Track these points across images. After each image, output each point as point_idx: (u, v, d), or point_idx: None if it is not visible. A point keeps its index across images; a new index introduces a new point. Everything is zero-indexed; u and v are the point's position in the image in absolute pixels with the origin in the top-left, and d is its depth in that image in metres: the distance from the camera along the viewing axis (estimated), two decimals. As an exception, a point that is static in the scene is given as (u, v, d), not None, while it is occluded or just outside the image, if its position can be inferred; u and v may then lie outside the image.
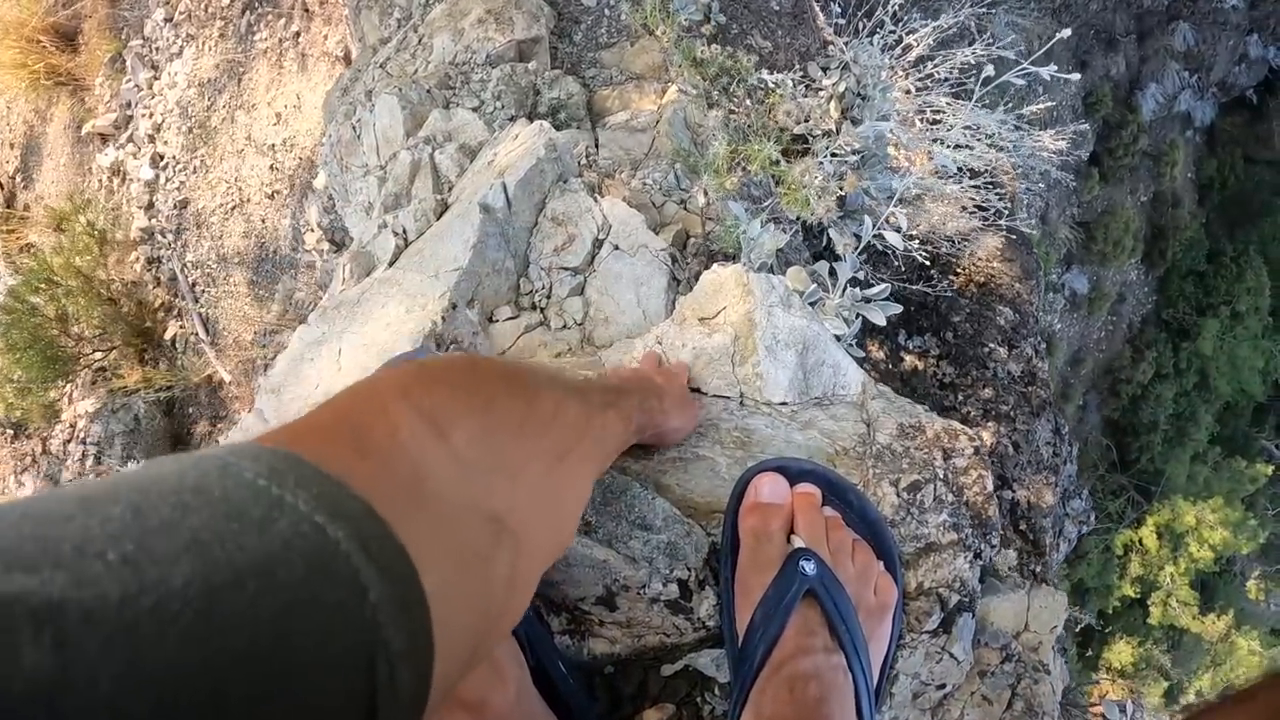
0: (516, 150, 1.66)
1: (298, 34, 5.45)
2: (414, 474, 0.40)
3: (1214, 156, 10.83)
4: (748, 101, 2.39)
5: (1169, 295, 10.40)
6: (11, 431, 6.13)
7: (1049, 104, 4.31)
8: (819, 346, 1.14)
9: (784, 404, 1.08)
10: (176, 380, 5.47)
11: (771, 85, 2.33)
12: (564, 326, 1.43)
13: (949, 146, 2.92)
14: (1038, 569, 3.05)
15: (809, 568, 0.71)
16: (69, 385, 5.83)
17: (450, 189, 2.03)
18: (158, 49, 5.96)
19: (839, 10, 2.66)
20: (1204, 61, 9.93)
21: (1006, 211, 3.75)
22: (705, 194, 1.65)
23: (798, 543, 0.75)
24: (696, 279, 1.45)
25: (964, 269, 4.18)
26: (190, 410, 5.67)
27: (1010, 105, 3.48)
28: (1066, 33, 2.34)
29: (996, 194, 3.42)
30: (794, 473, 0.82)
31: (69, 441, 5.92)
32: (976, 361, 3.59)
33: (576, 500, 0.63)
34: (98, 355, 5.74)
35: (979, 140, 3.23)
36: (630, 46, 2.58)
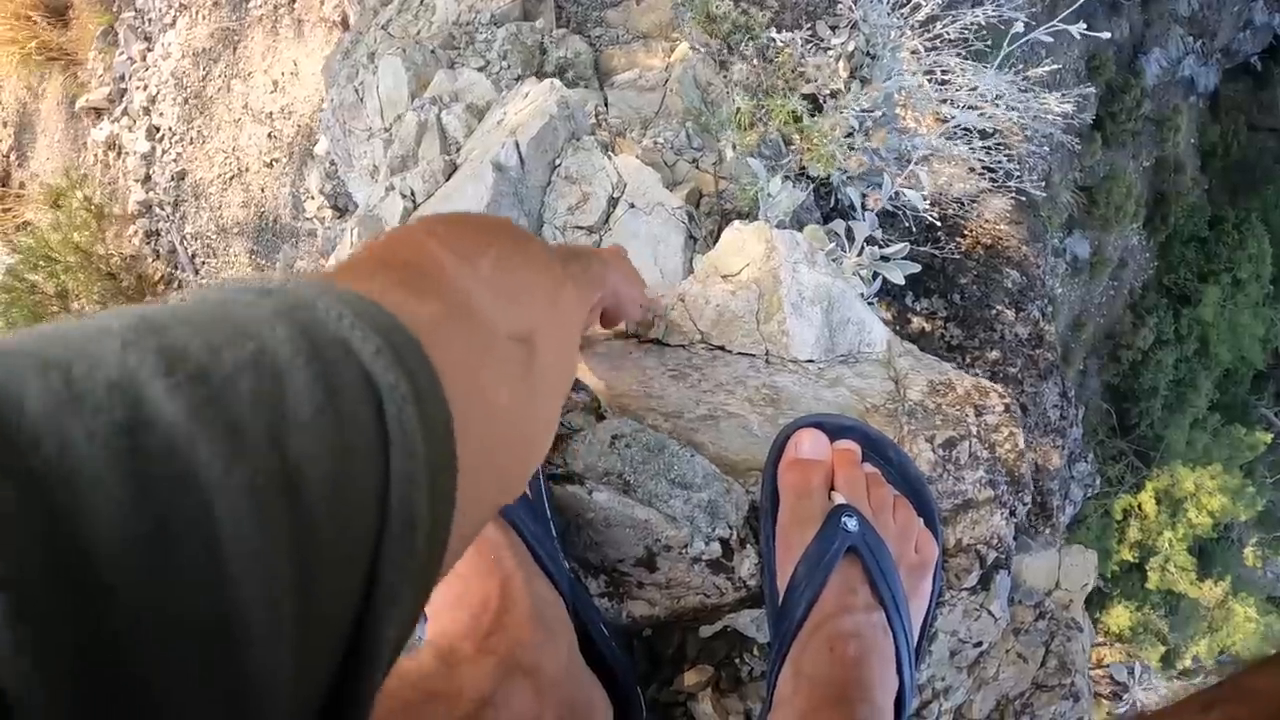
0: (527, 109, 1.62)
1: (293, 0, 5.40)
2: (464, 299, 0.42)
3: (1217, 123, 10.77)
4: (756, 60, 2.35)
5: (1170, 261, 10.37)
6: None
7: (1053, 66, 4.26)
8: (844, 304, 1.12)
9: (810, 361, 1.05)
10: None
11: (781, 44, 2.29)
12: (580, 287, 1.41)
13: (958, 107, 2.89)
14: (1046, 531, 3.05)
15: (851, 524, 0.70)
16: None
17: (458, 149, 1.99)
18: (150, 20, 5.89)
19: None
20: (1208, 27, 9.85)
21: (1015, 174, 3.72)
22: (730, 149, 1.62)
23: (839, 499, 0.73)
24: (713, 237, 1.42)
25: (971, 231, 4.15)
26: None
27: (1016, 68, 3.44)
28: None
29: (1005, 155, 3.39)
30: (832, 429, 0.80)
31: None
32: (984, 324, 3.57)
33: (574, 345, 0.66)
34: None
35: (987, 101, 3.20)
36: (636, 5, 2.54)
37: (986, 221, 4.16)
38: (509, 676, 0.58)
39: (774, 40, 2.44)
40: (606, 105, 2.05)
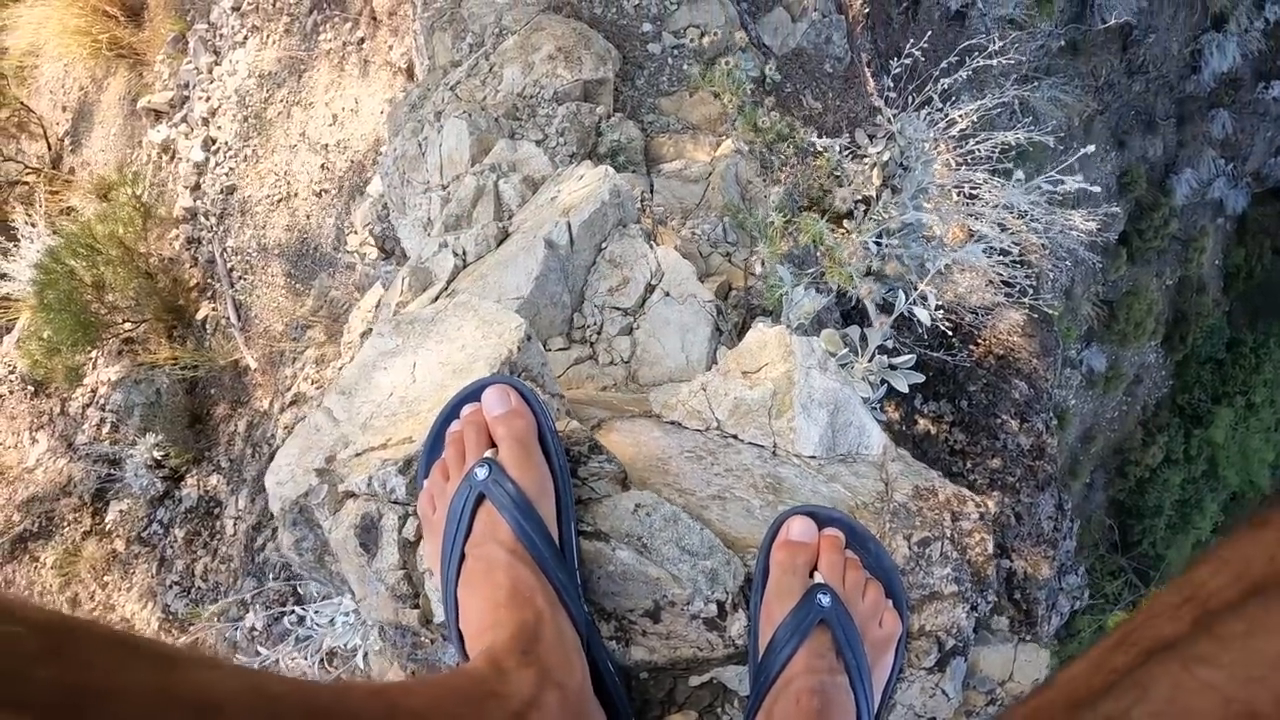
0: (580, 191, 1.78)
1: (362, 40, 5.52)
2: None
3: (1243, 245, 10.89)
4: (795, 161, 2.51)
5: (1185, 381, 10.42)
6: (32, 388, 6.16)
7: (1082, 184, 4.40)
8: (848, 408, 1.25)
9: (813, 457, 1.19)
10: (203, 360, 5.52)
11: (821, 149, 2.46)
12: (611, 363, 1.54)
13: (985, 222, 3.03)
14: (1028, 638, 3.12)
15: (825, 600, 0.84)
16: (96, 351, 5.86)
17: (510, 217, 2.15)
18: (222, 35, 5.99)
19: (891, 84, 2.78)
20: (1240, 150, 10.03)
21: (1032, 289, 3.84)
22: (761, 264, 1.77)
23: (818, 578, 0.87)
24: (737, 330, 1.57)
25: (984, 340, 4.27)
26: (212, 391, 5.71)
27: (1041, 187, 3.58)
28: (1090, 149, 2.45)
29: (1024, 271, 3.52)
30: (822, 518, 0.94)
31: (88, 406, 5.96)
32: (988, 431, 3.69)
33: None
34: (128, 325, 5.77)
35: (1011, 213, 3.34)
36: (689, 97, 2.72)
37: (1000, 333, 4.29)
38: (545, 687, 0.72)
39: (814, 144, 2.61)
40: (652, 191, 2.21)
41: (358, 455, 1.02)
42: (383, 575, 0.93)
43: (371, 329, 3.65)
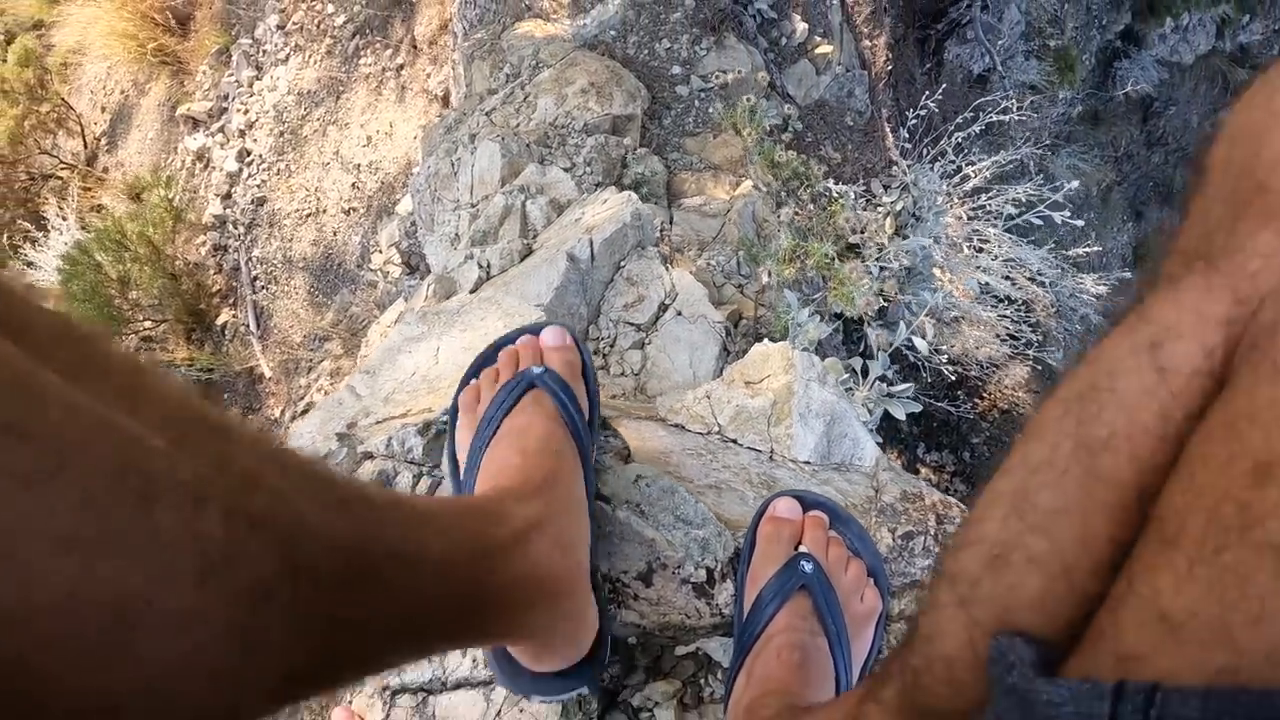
0: (604, 213, 1.88)
1: (401, 66, 5.63)
2: None
3: (1251, 318, 10.95)
4: (811, 205, 2.62)
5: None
6: None
7: (1096, 249, 4.48)
8: (844, 420, 1.34)
9: (808, 463, 1.27)
10: (219, 365, 5.56)
11: (835, 195, 2.56)
12: (622, 374, 1.63)
13: (992, 275, 3.12)
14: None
15: (807, 567, 0.89)
16: None
17: (535, 236, 2.25)
18: (265, 51, 6.12)
19: (907, 135, 2.89)
20: (1258, 226, 10.12)
21: (1038, 344, 3.90)
22: (767, 275, 1.86)
23: (802, 549, 0.93)
24: (743, 354, 1.66)
25: (989, 394, 4.33)
26: (226, 396, 5.75)
27: (1054, 245, 3.66)
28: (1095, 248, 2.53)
29: (1030, 326, 3.60)
30: (809, 501, 1.00)
31: None
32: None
33: None
34: (149, 324, 5.82)
35: (1019, 269, 3.42)
36: (713, 139, 2.84)
37: (1006, 388, 4.36)
38: (548, 521, 0.76)
39: (829, 190, 2.71)
40: (671, 223, 2.31)
41: (378, 423, 1.11)
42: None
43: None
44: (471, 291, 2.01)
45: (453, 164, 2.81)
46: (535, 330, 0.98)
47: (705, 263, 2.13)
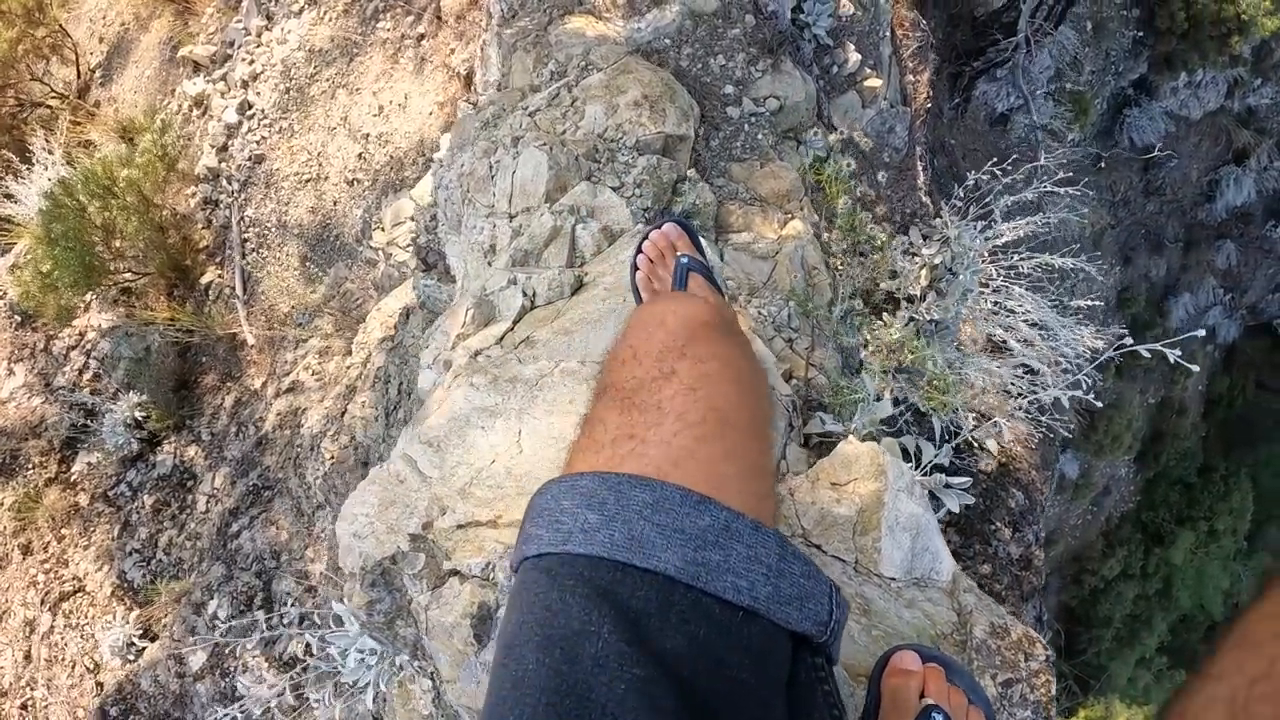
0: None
1: (422, 36, 5.45)
2: None
3: (1228, 374, 11.12)
4: (854, 251, 2.54)
5: (1153, 498, 10.58)
6: (19, 318, 5.98)
7: (1095, 302, 4.46)
8: (927, 534, 1.27)
9: (893, 579, 1.20)
10: (199, 326, 5.38)
11: (880, 244, 2.49)
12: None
13: (1016, 338, 3.07)
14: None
15: (939, 718, 0.94)
16: (92, 295, 5.71)
17: (582, 263, 2.15)
18: (278, 1, 5.91)
19: (961, 195, 2.83)
20: (1241, 283, 10.27)
21: (1043, 406, 3.86)
22: (820, 344, 1.79)
23: (929, 700, 0.97)
24: (805, 426, 1.58)
25: (988, 446, 4.29)
26: (204, 360, 5.58)
27: (1056, 293, 3.62)
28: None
29: (1031, 382, 3.56)
30: (926, 655, 1.04)
31: (73, 349, 5.81)
32: (981, 536, 3.71)
33: None
34: (130, 275, 5.63)
35: (1034, 328, 3.38)
36: (760, 168, 2.74)
37: (1004, 441, 4.32)
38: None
39: (873, 238, 2.64)
40: (722, 260, 2.22)
41: (460, 528, 1.01)
42: (490, 668, 0.93)
43: (391, 337, 3.61)
44: (514, 321, 1.92)
45: (490, 166, 2.69)
46: (658, 226, 1.56)
47: (757, 312, 2.04)
